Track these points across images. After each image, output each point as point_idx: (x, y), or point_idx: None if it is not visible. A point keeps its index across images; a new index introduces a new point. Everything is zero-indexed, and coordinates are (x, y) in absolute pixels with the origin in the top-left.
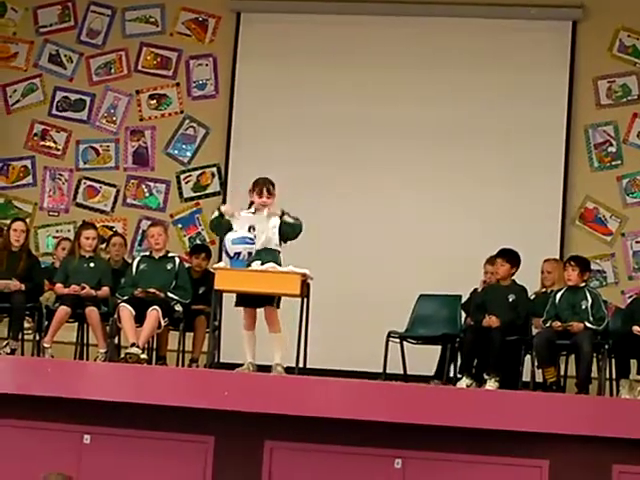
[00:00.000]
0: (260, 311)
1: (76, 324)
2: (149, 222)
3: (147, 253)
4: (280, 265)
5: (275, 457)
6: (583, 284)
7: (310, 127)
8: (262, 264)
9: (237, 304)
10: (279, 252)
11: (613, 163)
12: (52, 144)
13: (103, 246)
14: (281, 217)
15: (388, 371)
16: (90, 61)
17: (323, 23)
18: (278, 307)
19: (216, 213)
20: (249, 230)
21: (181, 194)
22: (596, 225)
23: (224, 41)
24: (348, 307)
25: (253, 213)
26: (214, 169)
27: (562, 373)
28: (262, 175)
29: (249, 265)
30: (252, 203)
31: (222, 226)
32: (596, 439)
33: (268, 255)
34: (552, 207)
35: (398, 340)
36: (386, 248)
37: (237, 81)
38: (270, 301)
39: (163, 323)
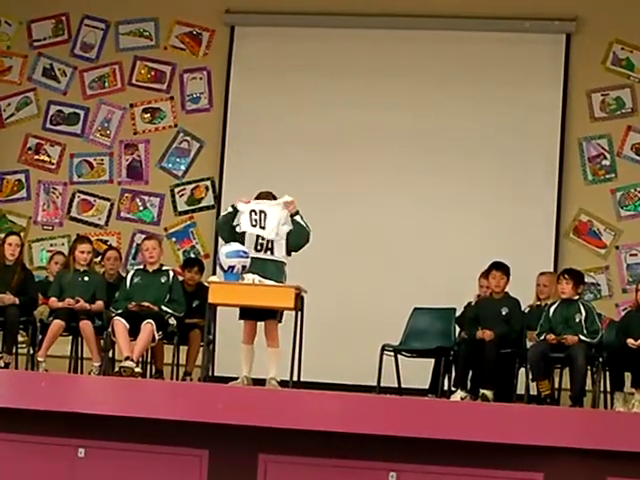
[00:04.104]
0: (260, 325)
1: (70, 338)
2: (143, 236)
3: (141, 267)
4: (284, 280)
5: (269, 470)
6: (577, 297)
7: (304, 140)
8: (264, 277)
9: (240, 317)
10: (284, 264)
11: (607, 176)
12: (46, 158)
13: (98, 260)
14: (293, 215)
15: (382, 384)
16: (84, 75)
17: (316, 37)
18: (280, 321)
19: (230, 209)
20: (257, 214)
21: (175, 208)
22: (590, 238)
23: (218, 55)
24: (342, 320)
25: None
26: (208, 182)
27: (556, 386)
28: (256, 188)
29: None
30: None
31: (229, 225)
32: (590, 452)
33: (273, 267)
34: (546, 220)
35: (392, 353)
36: (381, 261)
37: (231, 94)
38: (272, 315)
39: (157, 337)
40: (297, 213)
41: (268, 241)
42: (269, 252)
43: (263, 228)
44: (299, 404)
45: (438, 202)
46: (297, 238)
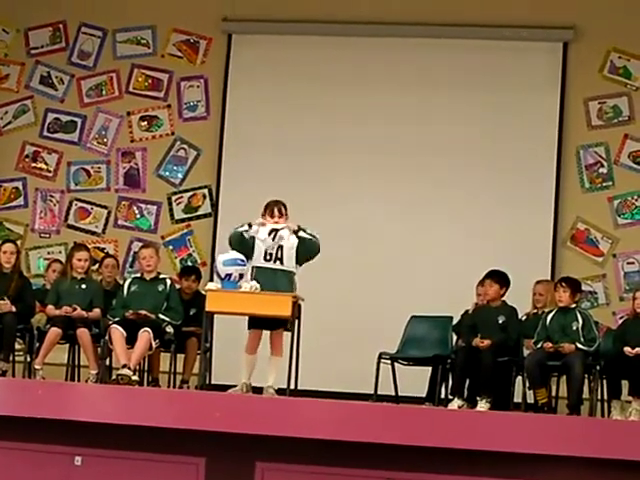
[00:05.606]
0: (265, 334)
1: (67, 345)
2: (140, 244)
3: (138, 275)
4: (294, 290)
5: (266, 478)
6: (574, 305)
7: (302, 148)
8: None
9: (250, 326)
10: (294, 274)
11: (604, 184)
12: (43, 165)
13: (95, 267)
14: (296, 232)
15: (379, 392)
16: (81, 82)
17: (313, 45)
18: (288, 330)
19: (245, 227)
20: (271, 233)
21: (172, 216)
22: (587, 246)
23: (215, 63)
24: (339, 328)
25: (268, 234)
26: (205, 190)
27: (553, 394)
28: (253, 196)
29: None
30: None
31: (245, 242)
32: (588, 460)
33: (283, 277)
34: (543, 228)
35: (389, 361)
36: (378, 269)
37: (228, 103)
38: (282, 324)
39: (154, 345)
40: (299, 229)
41: (278, 250)
42: (278, 262)
43: (280, 261)
44: (296, 412)
45: (435, 210)
46: (306, 251)
